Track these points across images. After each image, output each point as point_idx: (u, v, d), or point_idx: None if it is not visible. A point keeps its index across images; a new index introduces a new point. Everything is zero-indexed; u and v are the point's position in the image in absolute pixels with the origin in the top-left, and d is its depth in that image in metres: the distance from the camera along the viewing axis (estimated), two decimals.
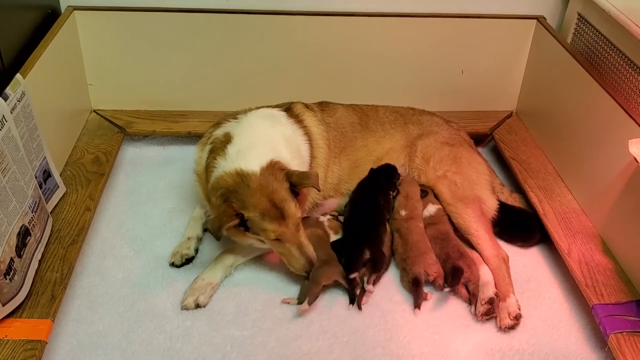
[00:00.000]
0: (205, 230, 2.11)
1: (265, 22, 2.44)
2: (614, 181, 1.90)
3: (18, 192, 1.65)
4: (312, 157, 2.07)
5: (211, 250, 2.04)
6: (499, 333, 1.80)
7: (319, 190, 1.89)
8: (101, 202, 2.17)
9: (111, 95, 2.55)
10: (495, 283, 1.89)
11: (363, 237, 1.95)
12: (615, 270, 1.85)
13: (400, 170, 2.19)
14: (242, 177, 1.73)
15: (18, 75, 1.81)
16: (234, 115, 2.04)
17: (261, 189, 1.71)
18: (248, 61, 2.52)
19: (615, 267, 1.87)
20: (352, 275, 1.84)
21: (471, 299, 1.86)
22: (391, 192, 2.11)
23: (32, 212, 1.73)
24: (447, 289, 1.86)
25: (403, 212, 2.06)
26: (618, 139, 1.83)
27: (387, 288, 1.94)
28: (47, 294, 1.66)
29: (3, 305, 1.55)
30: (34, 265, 1.72)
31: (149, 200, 2.27)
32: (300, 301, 1.84)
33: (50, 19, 2.30)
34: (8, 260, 1.56)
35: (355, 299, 1.86)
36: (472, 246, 2.03)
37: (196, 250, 2.04)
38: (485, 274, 1.91)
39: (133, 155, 2.52)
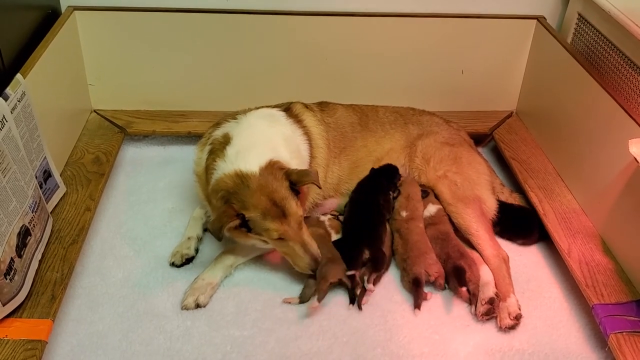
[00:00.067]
0: (205, 230, 2.11)
1: (265, 22, 2.44)
2: (614, 181, 1.90)
3: (18, 192, 1.65)
4: (312, 157, 2.07)
5: (211, 250, 2.04)
6: (499, 333, 1.80)
7: (320, 187, 1.89)
8: (101, 202, 2.17)
9: (111, 95, 2.55)
10: (495, 283, 1.89)
11: (363, 237, 1.95)
12: (615, 270, 1.85)
13: (400, 171, 2.19)
14: (241, 178, 1.73)
15: (18, 75, 1.81)
16: (233, 116, 2.04)
17: (261, 188, 1.71)
18: (248, 61, 2.52)
19: (616, 267, 1.87)
20: (350, 273, 1.84)
21: (471, 299, 1.86)
22: (391, 193, 2.11)
23: (32, 212, 1.73)
24: (461, 289, 1.84)
25: (404, 213, 2.06)
26: (618, 139, 1.83)
27: (387, 288, 1.94)
28: (48, 294, 1.66)
29: (3, 305, 1.55)
30: (34, 265, 1.72)
31: (149, 200, 2.27)
32: (301, 300, 1.84)
33: (50, 19, 2.30)
34: (8, 260, 1.56)
35: (355, 299, 1.86)
36: (472, 246, 2.02)
37: (196, 250, 2.04)
38: (485, 274, 1.91)
39: (133, 155, 2.52)
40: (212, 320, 1.80)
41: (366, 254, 1.88)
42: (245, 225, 1.74)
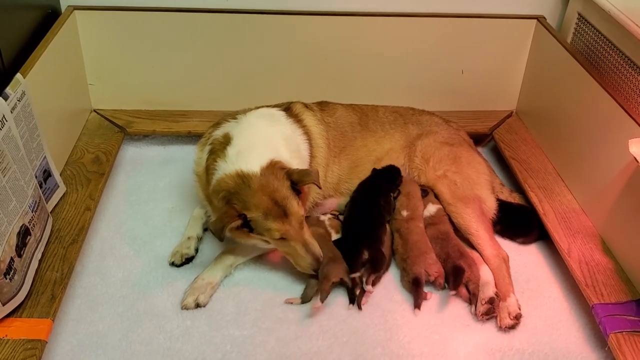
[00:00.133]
0: (205, 229, 2.11)
1: (265, 21, 2.44)
2: (614, 181, 1.90)
3: (18, 191, 1.65)
4: (312, 156, 2.07)
5: (211, 250, 2.04)
6: (499, 333, 1.80)
7: (320, 187, 1.89)
8: (101, 202, 2.17)
9: (111, 95, 2.55)
10: (495, 283, 1.89)
11: (362, 237, 1.94)
12: (615, 270, 1.85)
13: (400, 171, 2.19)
14: (242, 178, 1.73)
15: (18, 75, 1.81)
16: (233, 116, 2.04)
17: (262, 188, 1.71)
18: (248, 61, 2.52)
19: (615, 266, 1.87)
20: (354, 275, 1.84)
21: (471, 298, 1.86)
22: (392, 194, 2.11)
23: (32, 212, 1.73)
24: (452, 293, 1.85)
25: (405, 213, 2.06)
26: (618, 138, 1.83)
27: (387, 288, 1.94)
28: (47, 294, 1.66)
29: (3, 305, 1.55)
30: (34, 264, 1.72)
31: (149, 200, 2.27)
32: (303, 300, 1.84)
33: (50, 18, 2.30)
34: (8, 259, 1.56)
35: (355, 299, 1.86)
36: (472, 246, 2.02)
37: (196, 250, 2.04)
38: (485, 274, 1.91)
39: (133, 155, 2.52)
40: (212, 320, 1.80)
41: (365, 255, 1.88)
42: (247, 226, 1.74)
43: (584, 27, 2.39)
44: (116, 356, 1.68)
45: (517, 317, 1.81)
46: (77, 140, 2.36)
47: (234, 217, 1.70)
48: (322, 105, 2.26)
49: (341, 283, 1.87)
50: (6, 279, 1.54)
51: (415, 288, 1.87)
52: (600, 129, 2.01)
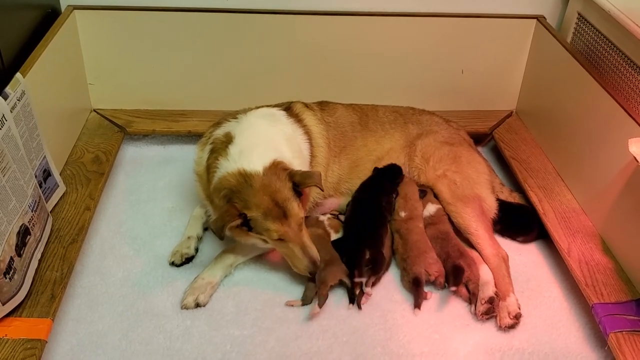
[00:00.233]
0: (205, 229, 2.11)
1: (265, 21, 2.44)
2: (613, 180, 1.90)
3: (18, 191, 1.65)
4: (312, 156, 2.07)
5: (211, 250, 2.04)
6: (498, 332, 1.80)
7: (322, 190, 1.89)
8: (101, 202, 2.17)
9: (111, 94, 2.55)
10: (495, 282, 1.89)
11: (364, 237, 1.94)
12: (615, 270, 1.85)
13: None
14: (245, 177, 1.73)
15: (18, 75, 1.81)
16: (233, 115, 2.04)
17: (264, 188, 1.71)
18: (248, 61, 2.52)
19: (615, 266, 1.87)
20: (358, 280, 1.84)
21: (471, 298, 1.86)
22: (393, 194, 2.11)
23: (32, 211, 1.73)
24: (452, 289, 1.85)
25: (403, 214, 2.06)
26: (618, 138, 1.83)
27: (387, 288, 1.94)
28: (47, 293, 1.66)
29: (3, 305, 1.54)
30: (34, 264, 1.72)
31: (149, 200, 2.27)
32: (304, 302, 1.84)
33: (50, 18, 2.30)
34: (8, 259, 1.56)
35: (355, 299, 1.86)
36: (472, 245, 2.02)
37: (196, 250, 2.04)
38: (485, 273, 1.91)
39: (133, 154, 2.52)
40: (211, 320, 1.80)
41: (367, 255, 1.88)
42: (247, 225, 1.74)
43: (584, 26, 2.39)
44: (116, 356, 1.68)
45: (517, 317, 1.81)
46: (76, 139, 2.36)
47: (235, 215, 1.70)
48: (323, 105, 2.26)
49: (341, 283, 1.88)
50: (6, 278, 1.54)
51: (415, 288, 1.87)
52: (600, 129, 2.01)
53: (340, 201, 2.20)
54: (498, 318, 1.81)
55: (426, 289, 1.90)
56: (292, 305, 1.85)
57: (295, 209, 1.73)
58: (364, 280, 1.85)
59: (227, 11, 2.43)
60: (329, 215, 2.12)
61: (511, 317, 1.80)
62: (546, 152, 2.40)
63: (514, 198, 2.26)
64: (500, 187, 2.28)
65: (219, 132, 1.96)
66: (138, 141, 2.59)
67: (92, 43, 2.44)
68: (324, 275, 1.81)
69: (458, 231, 2.06)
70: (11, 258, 1.58)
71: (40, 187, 1.86)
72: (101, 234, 2.09)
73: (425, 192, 2.15)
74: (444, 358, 1.73)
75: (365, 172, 2.19)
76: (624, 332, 1.64)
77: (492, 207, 2.10)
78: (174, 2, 2.41)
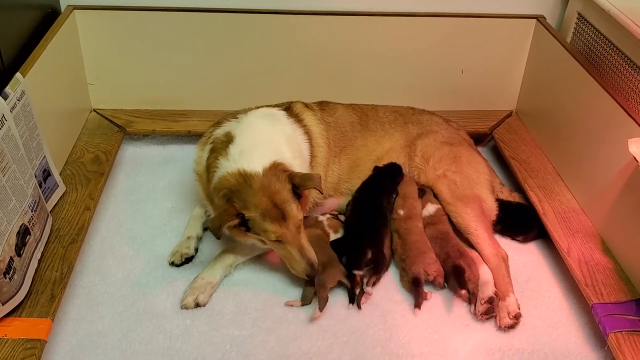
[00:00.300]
0: (205, 229, 2.11)
1: (265, 21, 2.44)
2: (613, 180, 1.90)
3: (18, 191, 1.65)
4: (312, 156, 2.07)
5: (211, 250, 2.04)
6: (498, 332, 1.80)
7: (322, 193, 1.89)
8: (101, 202, 2.17)
9: (111, 94, 2.55)
10: (494, 282, 1.89)
11: (365, 237, 1.94)
12: (614, 270, 1.85)
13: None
14: (244, 177, 1.73)
15: (18, 74, 1.81)
16: (234, 115, 2.04)
17: (263, 189, 1.71)
18: (248, 61, 2.52)
19: (615, 266, 1.87)
20: (356, 272, 1.84)
21: (471, 298, 1.86)
22: (393, 195, 2.11)
23: (31, 211, 1.73)
24: (462, 292, 1.85)
25: (401, 212, 2.06)
26: (618, 138, 1.83)
27: (387, 288, 1.94)
28: (47, 293, 1.66)
29: (3, 304, 1.54)
30: (34, 264, 1.72)
31: (148, 200, 2.27)
32: (303, 303, 1.84)
33: (50, 18, 2.30)
34: (8, 259, 1.56)
35: (355, 299, 1.86)
36: (471, 245, 2.02)
37: (196, 250, 2.04)
38: (484, 273, 1.91)
39: (133, 154, 2.52)
40: (211, 320, 1.80)
41: (369, 254, 1.88)
42: (245, 225, 1.74)
43: (584, 26, 2.39)
44: (116, 356, 1.68)
45: (517, 317, 1.81)
46: (76, 139, 2.36)
47: (232, 215, 1.70)
48: (323, 105, 2.26)
49: (340, 284, 1.88)
50: (6, 278, 1.54)
51: (415, 288, 1.87)
52: (600, 129, 2.01)
53: (340, 201, 2.20)
54: (498, 318, 1.81)
55: (426, 289, 1.90)
56: (292, 306, 1.85)
57: (294, 210, 1.73)
58: (360, 273, 1.84)
59: (227, 11, 2.43)
60: (328, 215, 2.12)
61: (511, 317, 1.80)
62: (546, 152, 2.40)
63: (513, 198, 2.26)
64: (500, 187, 2.28)
65: (219, 131, 1.96)
66: (138, 141, 2.59)
67: (92, 43, 2.44)
68: (322, 279, 1.81)
69: (458, 231, 2.06)
70: (11, 258, 1.58)
71: (40, 187, 1.86)
72: (101, 233, 2.09)
73: (425, 191, 2.15)
74: (444, 358, 1.73)
75: (365, 172, 2.19)
76: (623, 332, 1.64)
77: (491, 208, 2.10)
78: (174, 2, 2.41)
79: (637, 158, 1.66)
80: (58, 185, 2.02)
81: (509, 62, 2.61)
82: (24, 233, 1.67)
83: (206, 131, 2.09)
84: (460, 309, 1.88)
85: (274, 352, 1.71)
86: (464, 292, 1.85)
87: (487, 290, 1.85)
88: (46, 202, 1.90)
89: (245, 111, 2.06)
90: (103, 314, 1.80)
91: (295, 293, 1.90)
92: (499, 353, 1.74)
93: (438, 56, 2.56)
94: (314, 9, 2.46)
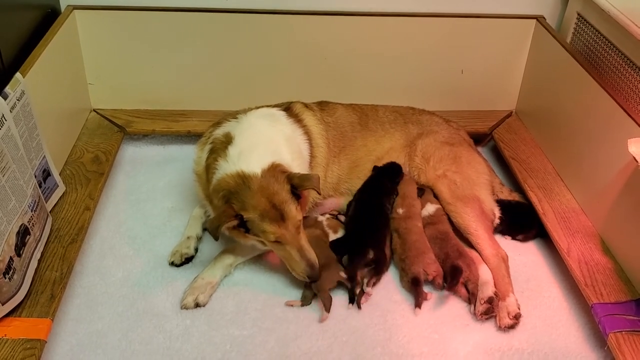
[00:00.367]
0: (205, 229, 2.10)
1: (265, 21, 2.44)
2: (613, 181, 1.90)
3: (17, 191, 1.65)
4: (312, 156, 2.07)
5: (211, 250, 2.04)
6: (498, 332, 1.81)
7: (320, 193, 1.89)
8: (101, 202, 2.17)
9: (111, 94, 2.55)
10: (494, 282, 1.89)
11: (367, 237, 1.94)
12: (614, 270, 1.85)
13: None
14: (243, 179, 1.73)
15: (18, 74, 1.81)
16: (233, 115, 2.04)
17: (262, 190, 1.71)
18: (248, 61, 2.52)
19: (615, 266, 1.87)
20: (357, 272, 1.84)
21: (470, 298, 1.86)
22: (394, 195, 2.11)
23: (31, 211, 1.73)
24: (446, 292, 1.86)
25: (400, 210, 2.07)
26: (617, 138, 1.84)
27: (387, 288, 1.94)
28: (47, 293, 1.66)
29: (2, 305, 1.54)
30: (34, 264, 1.72)
31: (148, 200, 2.27)
32: (303, 303, 1.84)
33: (50, 18, 2.30)
34: (7, 259, 1.56)
35: (355, 299, 1.86)
36: (471, 245, 2.03)
37: (196, 250, 2.04)
38: (484, 273, 1.91)
39: (133, 154, 2.52)
40: (211, 320, 1.80)
41: (371, 255, 1.88)
42: (244, 226, 1.74)
43: (584, 27, 2.39)
44: (116, 356, 1.68)
45: (517, 317, 1.81)
46: (76, 139, 2.36)
47: (231, 216, 1.70)
48: (322, 105, 2.26)
49: (339, 284, 1.88)
50: (5, 278, 1.54)
51: (415, 288, 1.87)
52: (600, 129, 2.01)
53: (339, 201, 2.20)
54: (497, 318, 1.82)
55: (425, 289, 1.90)
56: (292, 306, 1.85)
57: (293, 211, 1.73)
58: (353, 272, 1.84)
59: (227, 11, 2.43)
60: (328, 216, 2.12)
61: (511, 317, 1.80)
62: (546, 152, 2.40)
63: (513, 198, 2.25)
64: (500, 187, 2.28)
65: (219, 132, 1.96)
66: (138, 141, 2.59)
67: (92, 43, 2.44)
68: (321, 282, 1.81)
69: (458, 231, 2.06)
70: (11, 258, 1.58)
71: (40, 187, 1.86)
72: (101, 233, 2.09)
73: (424, 191, 2.15)
74: (444, 358, 1.73)
75: (365, 172, 2.19)
76: (623, 332, 1.64)
77: (490, 209, 2.10)
78: (174, 2, 2.41)
79: (636, 158, 1.66)
80: (58, 185, 2.02)
81: (509, 62, 2.62)
82: (23, 233, 1.67)
83: (206, 131, 2.09)
84: (460, 309, 1.88)
85: (274, 352, 1.71)
86: (462, 290, 1.85)
87: (487, 290, 1.85)
88: (46, 202, 1.90)
89: (244, 111, 2.06)
90: (103, 314, 1.79)
91: (295, 293, 1.90)
92: (499, 353, 1.74)
93: (438, 56, 2.56)
94: (313, 9, 2.46)
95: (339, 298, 1.88)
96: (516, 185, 2.33)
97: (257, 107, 2.11)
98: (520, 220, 2.15)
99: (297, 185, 1.75)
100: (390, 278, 1.97)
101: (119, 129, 2.47)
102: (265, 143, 1.86)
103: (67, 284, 1.73)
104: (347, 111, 2.27)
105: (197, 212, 2.13)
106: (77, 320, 1.77)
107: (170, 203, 2.25)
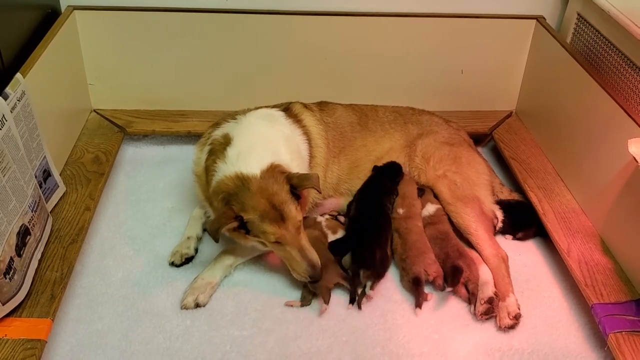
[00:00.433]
0: (205, 229, 2.11)
1: (265, 21, 2.45)
2: (613, 181, 1.90)
3: (18, 191, 1.65)
4: (311, 156, 2.07)
5: (211, 250, 2.04)
6: (498, 332, 1.81)
7: (320, 192, 1.89)
8: (101, 202, 2.17)
9: (111, 94, 2.55)
10: (494, 282, 1.89)
11: (372, 238, 1.93)
12: (614, 270, 1.85)
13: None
14: (242, 180, 1.73)
15: (18, 75, 1.81)
16: (232, 116, 2.04)
17: (261, 191, 1.71)
18: (248, 61, 2.52)
19: (615, 266, 1.87)
20: (355, 272, 1.84)
21: (471, 298, 1.86)
22: (394, 195, 2.11)
23: (32, 212, 1.73)
24: (448, 289, 1.86)
25: (400, 210, 2.07)
26: (617, 138, 1.84)
27: (387, 288, 1.94)
28: (47, 294, 1.66)
29: (3, 305, 1.55)
30: (34, 264, 1.72)
31: (148, 200, 2.27)
32: (303, 303, 1.85)
33: (50, 18, 2.30)
34: (8, 259, 1.56)
35: (355, 299, 1.86)
36: (471, 246, 2.03)
37: (196, 250, 2.04)
38: (484, 274, 1.91)
39: (133, 154, 2.53)
40: (211, 320, 1.80)
41: (377, 255, 1.88)
42: (244, 227, 1.74)
43: (584, 27, 2.39)
44: (116, 356, 1.68)
45: (517, 317, 1.81)
46: (76, 140, 2.36)
47: (231, 218, 1.70)
48: (322, 106, 2.26)
49: (338, 284, 1.88)
50: (6, 278, 1.54)
51: (415, 287, 1.87)
52: (600, 129, 2.01)
53: (339, 201, 2.20)
54: (498, 318, 1.82)
55: (425, 289, 1.89)
56: (292, 306, 1.85)
57: (293, 211, 1.73)
58: (369, 273, 1.85)
59: (227, 11, 2.43)
60: (327, 216, 2.12)
61: (511, 317, 1.80)
62: (546, 152, 2.40)
63: (513, 198, 2.25)
64: (500, 187, 2.28)
65: (218, 133, 1.96)
66: (138, 141, 2.59)
67: (92, 43, 2.44)
68: (319, 285, 1.82)
69: (458, 231, 2.06)
70: (11, 258, 1.58)
71: (40, 187, 1.86)
72: (101, 234, 2.09)
73: (424, 190, 2.15)
74: (444, 358, 1.73)
75: (365, 173, 2.19)
76: (623, 333, 1.64)
77: (490, 210, 2.10)
78: (174, 2, 2.42)
79: (637, 158, 1.66)
80: (58, 186, 2.03)
81: (509, 62, 2.61)
82: (24, 233, 1.67)
83: (205, 132, 2.09)
84: (460, 309, 1.88)
85: (274, 352, 1.71)
86: (462, 290, 1.85)
87: (487, 290, 1.85)
88: (46, 203, 1.90)
89: (244, 112, 2.06)
90: (103, 314, 1.80)
91: (295, 293, 1.90)
92: (499, 353, 1.74)
93: (438, 56, 2.56)
94: (313, 9, 2.46)
95: (339, 298, 1.88)
96: (516, 186, 2.33)
97: (256, 108, 2.11)
98: (519, 218, 2.15)
99: (296, 185, 1.75)
100: (391, 278, 1.97)
101: (119, 129, 2.48)
102: (264, 144, 1.86)
103: (67, 284, 1.73)
104: (347, 111, 2.27)
105: (197, 212, 2.13)
106: (78, 321, 1.77)
107: (171, 203, 2.26)
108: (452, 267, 1.88)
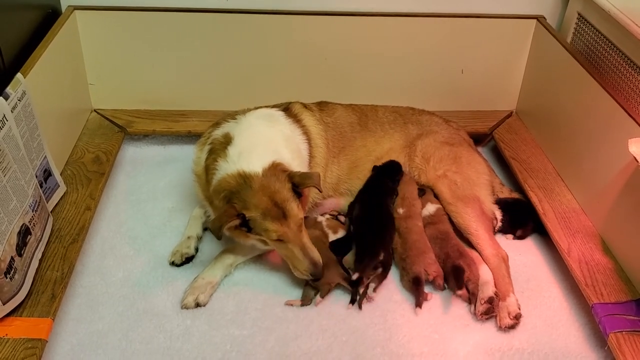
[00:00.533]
0: (205, 229, 2.11)
1: (264, 22, 2.45)
2: (613, 181, 1.90)
3: (19, 191, 1.66)
4: (311, 156, 2.07)
5: (211, 250, 2.04)
6: (498, 332, 1.81)
7: (321, 191, 1.89)
8: (101, 202, 2.18)
9: (111, 94, 2.56)
10: (495, 282, 1.89)
11: (376, 238, 1.93)
12: (614, 270, 1.85)
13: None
14: (244, 178, 1.73)
15: (19, 75, 1.81)
16: (232, 116, 2.04)
17: (263, 189, 1.71)
18: (248, 61, 2.52)
19: (615, 266, 1.87)
20: (355, 277, 1.84)
21: (471, 298, 1.86)
22: (394, 195, 2.11)
23: (32, 211, 1.73)
24: (458, 293, 1.85)
25: (401, 210, 2.07)
26: (618, 138, 1.84)
27: (387, 288, 1.94)
28: (48, 293, 1.67)
29: (3, 304, 1.55)
30: (35, 264, 1.72)
31: (149, 200, 2.27)
32: (303, 302, 1.84)
33: (50, 18, 2.30)
34: (8, 259, 1.56)
35: (356, 299, 1.86)
36: (471, 245, 2.03)
37: (196, 250, 2.04)
38: (484, 273, 1.92)
39: (133, 154, 2.53)
40: (212, 319, 1.80)
41: (381, 256, 1.88)
42: (246, 225, 1.74)
43: (584, 27, 2.39)
44: (116, 355, 1.68)
45: (517, 317, 1.81)
46: (77, 139, 2.37)
47: (233, 216, 1.71)
48: (322, 105, 2.26)
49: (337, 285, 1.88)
50: (6, 278, 1.54)
51: (415, 287, 1.87)
52: (600, 129, 2.01)
53: (339, 201, 2.20)
54: (498, 318, 1.82)
55: (426, 289, 1.89)
56: (292, 305, 1.85)
57: (295, 209, 1.73)
58: (356, 276, 1.84)
59: (227, 11, 2.43)
60: (327, 216, 2.12)
61: (511, 317, 1.80)
62: (546, 152, 2.40)
63: (513, 197, 2.25)
64: (500, 187, 2.28)
65: (218, 132, 1.96)
66: (138, 141, 2.59)
67: (93, 43, 2.44)
68: (320, 283, 1.82)
69: (458, 231, 2.06)
70: (12, 258, 1.58)
71: (41, 187, 1.86)
72: (101, 233, 2.09)
73: (424, 190, 2.15)
74: (444, 358, 1.73)
75: (365, 173, 2.19)
76: (623, 332, 1.64)
77: (490, 210, 2.10)
78: (174, 2, 2.42)
79: (637, 158, 1.66)
80: (59, 185, 2.03)
81: (509, 62, 2.61)
82: (24, 233, 1.67)
83: (205, 132, 2.09)
84: (460, 309, 1.88)
85: (274, 352, 1.72)
86: (462, 292, 1.85)
87: (487, 290, 1.85)
88: (47, 202, 1.90)
89: (244, 112, 2.07)
90: (103, 314, 1.80)
91: (295, 293, 1.90)
92: (499, 353, 1.74)
93: (438, 56, 2.56)
94: (313, 9, 2.46)
95: (339, 298, 1.88)
96: (516, 186, 2.33)
97: (256, 108, 2.11)
98: (516, 216, 2.15)
99: (298, 184, 1.76)
100: (391, 278, 1.97)
101: (119, 129, 2.48)
102: (265, 143, 1.87)
103: (67, 283, 1.73)
104: (347, 111, 2.27)
105: (197, 212, 2.14)
106: (78, 320, 1.77)
107: (171, 203, 2.26)
108: (453, 267, 1.88)
